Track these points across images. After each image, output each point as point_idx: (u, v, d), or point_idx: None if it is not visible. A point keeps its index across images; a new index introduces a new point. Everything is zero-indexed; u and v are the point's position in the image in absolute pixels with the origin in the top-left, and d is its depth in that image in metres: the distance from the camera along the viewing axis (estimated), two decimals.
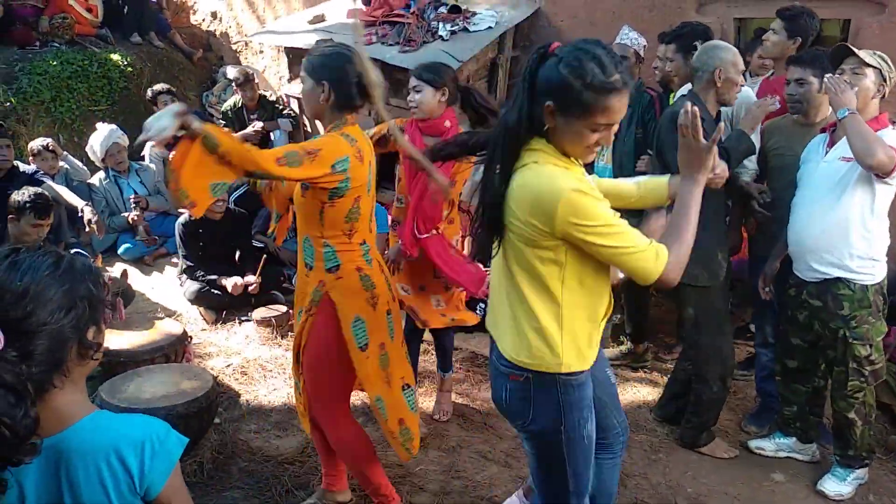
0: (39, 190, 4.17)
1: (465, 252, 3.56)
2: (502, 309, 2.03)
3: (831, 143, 3.05)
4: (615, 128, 1.89)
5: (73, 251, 4.34)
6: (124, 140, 5.74)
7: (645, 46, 4.19)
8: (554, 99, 1.80)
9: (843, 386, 3.06)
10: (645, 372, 4.26)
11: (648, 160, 3.89)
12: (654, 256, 1.84)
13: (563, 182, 1.80)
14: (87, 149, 5.72)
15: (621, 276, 2.02)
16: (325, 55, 2.54)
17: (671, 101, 4.10)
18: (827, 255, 2.98)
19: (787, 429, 3.44)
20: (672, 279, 1.88)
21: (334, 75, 2.50)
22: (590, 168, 4.29)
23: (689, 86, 3.82)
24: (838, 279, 2.98)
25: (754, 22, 5.05)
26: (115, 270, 4.79)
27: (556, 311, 1.93)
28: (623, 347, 4.35)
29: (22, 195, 3.98)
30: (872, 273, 2.98)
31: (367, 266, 2.59)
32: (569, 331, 1.94)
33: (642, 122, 4.09)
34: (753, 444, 3.50)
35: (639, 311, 4.26)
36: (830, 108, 3.02)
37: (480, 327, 4.58)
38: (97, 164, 5.74)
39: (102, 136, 5.62)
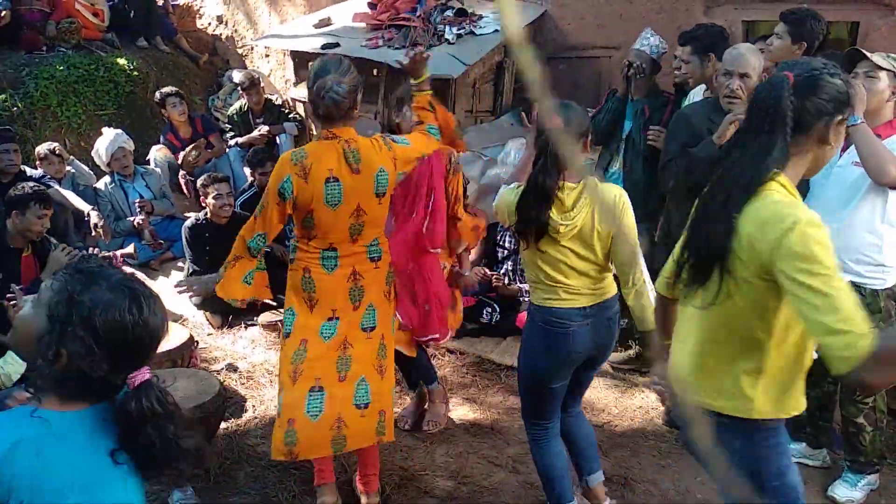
0: (33, 182, 4.17)
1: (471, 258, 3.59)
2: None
3: (845, 147, 3.02)
4: None
5: (77, 251, 4.34)
6: (130, 145, 5.74)
7: (664, 53, 4.16)
8: (840, 111, 1.76)
9: (851, 392, 3.04)
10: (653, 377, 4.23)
11: (656, 133, 3.87)
12: (862, 341, 1.53)
13: (801, 212, 1.69)
14: (93, 153, 5.73)
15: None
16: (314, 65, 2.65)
17: (684, 104, 4.08)
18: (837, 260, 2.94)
19: (797, 434, 3.41)
20: (870, 380, 1.54)
21: (312, 85, 2.59)
22: (602, 173, 4.28)
23: (703, 87, 3.80)
24: (850, 283, 2.95)
25: (762, 24, 5.04)
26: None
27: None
28: (631, 352, 4.32)
29: (22, 189, 4.00)
30: (884, 278, 2.95)
31: (322, 270, 2.74)
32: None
33: (652, 123, 4.07)
34: None
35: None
36: None
37: (487, 331, 4.59)
38: (103, 168, 5.75)
39: (108, 140, 5.62)
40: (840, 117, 1.77)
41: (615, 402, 3.93)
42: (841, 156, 3.01)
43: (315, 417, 2.70)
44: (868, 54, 2.91)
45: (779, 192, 1.74)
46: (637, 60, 4.06)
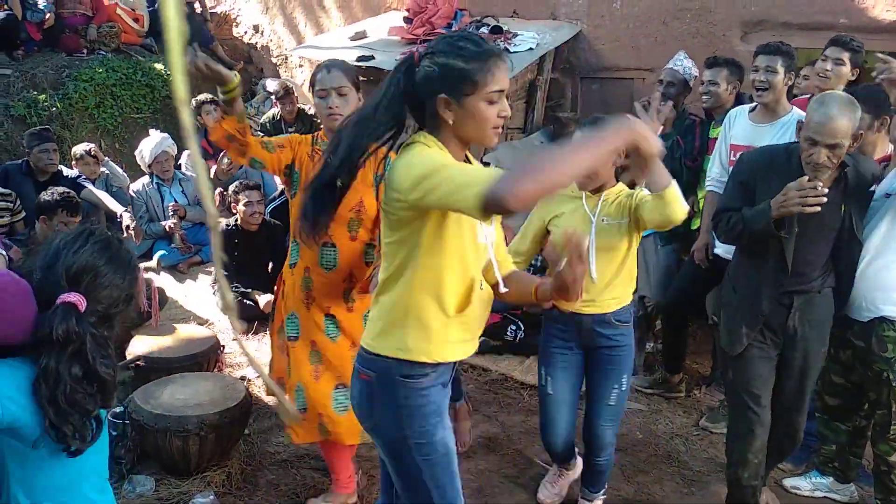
0: (63, 189, 4.24)
1: None
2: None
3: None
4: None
5: None
6: (173, 150, 5.83)
7: (696, 77, 4.15)
8: (445, 89, 1.77)
9: (885, 429, 2.97)
10: (678, 402, 4.18)
11: (670, 105, 3.74)
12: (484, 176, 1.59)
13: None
14: (136, 153, 5.81)
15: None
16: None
17: (712, 130, 4.06)
18: (878, 293, 2.90)
19: (824, 468, 3.35)
20: (500, 195, 1.51)
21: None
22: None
23: (746, 107, 3.74)
24: (883, 319, 2.89)
25: (800, 52, 5.01)
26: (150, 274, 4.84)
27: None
28: (657, 375, 4.28)
29: (51, 195, 4.07)
30: None
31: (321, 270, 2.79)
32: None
33: (680, 148, 4.06)
34: (789, 482, 3.42)
35: (677, 341, 4.19)
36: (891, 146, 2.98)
37: (511, 348, 4.57)
38: (143, 168, 5.83)
39: (154, 142, 5.70)
40: (442, 97, 1.77)
41: (640, 426, 3.89)
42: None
43: (342, 412, 2.77)
44: None
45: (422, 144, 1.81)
46: (670, 78, 4.08)
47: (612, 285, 2.74)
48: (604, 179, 2.71)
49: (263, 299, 4.77)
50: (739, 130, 3.66)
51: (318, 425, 2.79)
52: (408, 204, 1.74)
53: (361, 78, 6.58)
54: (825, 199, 2.50)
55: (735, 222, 2.74)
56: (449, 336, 1.88)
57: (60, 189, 4.19)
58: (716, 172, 3.78)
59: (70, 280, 1.54)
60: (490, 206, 1.53)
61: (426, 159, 1.73)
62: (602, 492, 3.08)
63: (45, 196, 4.08)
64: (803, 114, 3.47)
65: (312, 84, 2.76)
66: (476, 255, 1.90)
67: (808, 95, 3.83)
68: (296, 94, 6.63)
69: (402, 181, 1.73)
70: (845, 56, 3.59)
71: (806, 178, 2.53)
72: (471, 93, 1.76)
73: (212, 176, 6.19)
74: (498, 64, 1.78)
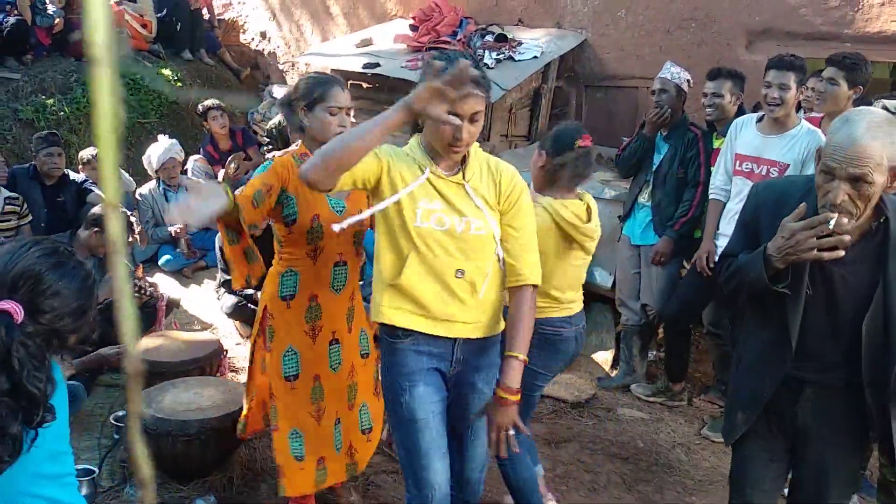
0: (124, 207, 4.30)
1: None
2: None
3: None
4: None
5: None
6: (181, 156, 5.86)
7: (688, 81, 4.17)
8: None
9: (890, 452, 2.95)
10: (680, 411, 4.18)
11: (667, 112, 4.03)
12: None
13: None
14: (144, 158, 5.85)
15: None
16: None
17: (714, 141, 4.07)
18: None
19: None
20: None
21: None
22: (631, 206, 4.27)
23: (753, 116, 3.72)
24: None
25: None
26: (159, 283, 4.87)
27: None
28: (659, 384, 4.28)
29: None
30: None
31: (330, 292, 2.74)
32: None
33: (684, 161, 4.06)
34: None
35: (679, 350, 4.19)
36: None
37: None
38: (150, 173, 5.86)
39: (162, 148, 5.74)
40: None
41: (641, 435, 3.89)
42: None
43: (339, 450, 2.76)
44: (893, 106, 2.90)
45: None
46: (662, 87, 4.09)
47: None
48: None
49: None
50: (746, 140, 3.65)
51: (316, 473, 2.71)
52: None
53: (366, 85, 6.64)
54: (848, 238, 1.86)
55: (733, 271, 2.13)
56: (384, 301, 2.16)
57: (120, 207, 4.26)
58: (719, 181, 3.79)
59: (9, 287, 1.47)
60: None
61: None
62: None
63: (102, 210, 4.14)
64: (813, 127, 3.48)
65: (317, 97, 2.55)
66: (410, 234, 2.11)
67: (819, 116, 3.80)
68: None
69: None
70: (839, 76, 3.48)
71: (823, 215, 1.88)
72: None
73: (220, 180, 6.23)
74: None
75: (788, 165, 3.47)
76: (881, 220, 1.94)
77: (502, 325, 2.28)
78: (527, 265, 2.20)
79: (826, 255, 1.87)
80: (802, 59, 3.56)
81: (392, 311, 2.16)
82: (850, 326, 1.97)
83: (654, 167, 4.14)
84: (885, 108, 3.11)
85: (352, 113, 2.72)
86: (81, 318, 1.55)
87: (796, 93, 3.48)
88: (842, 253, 1.88)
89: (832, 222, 1.84)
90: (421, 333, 2.17)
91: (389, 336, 2.20)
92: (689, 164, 4.05)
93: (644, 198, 4.22)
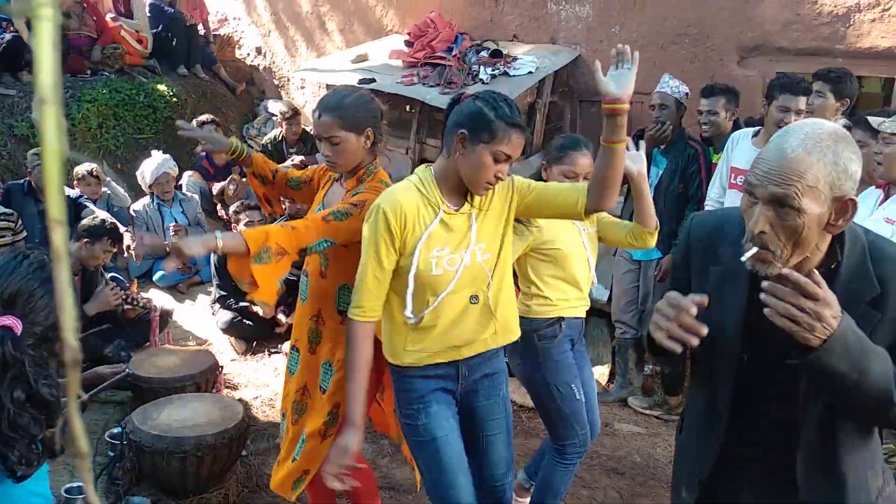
0: (109, 217, 4.29)
1: None
2: None
3: (883, 201, 3.02)
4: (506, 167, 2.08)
5: (109, 275, 4.42)
6: (174, 171, 5.87)
7: (687, 94, 4.20)
8: (466, 126, 2.04)
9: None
10: (677, 426, 4.17)
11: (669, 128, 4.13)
12: None
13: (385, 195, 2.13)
14: (138, 173, 5.85)
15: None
16: (360, 104, 2.46)
17: (712, 156, 4.09)
18: None
19: None
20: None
21: (376, 120, 2.49)
22: (630, 216, 4.28)
23: (749, 131, 3.76)
24: None
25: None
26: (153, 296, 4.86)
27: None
28: (656, 397, 4.28)
29: (100, 221, 4.12)
30: None
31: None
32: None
33: (684, 176, 4.07)
34: None
35: (676, 365, 4.19)
36: None
37: (508, 372, 4.55)
38: (144, 189, 5.86)
39: (156, 163, 5.74)
40: (463, 131, 2.03)
41: (638, 450, 3.88)
42: (875, 211, 3.00)
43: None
44: (873, 120, 2.96)
45: (408, 180, 2.16)
46: (661, 101, 4.12)
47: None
48: None
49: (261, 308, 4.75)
50: (742, 154, 3.70)
51: (294, 481, 2.62)
52: None
53: None
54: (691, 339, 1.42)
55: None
56: (407, 345, 2.20)
57: (106, 216, 4.26)
58: (714, 193, 3.83)
59: (4, 303, 1.52)
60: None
61: None
62: None
63: (92, 221, 4.13)
64: None
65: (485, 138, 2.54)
66: (426, 282, 2.13)
67: None
68: (300, 116, 6.69)
69: None
70: (826, 88, 3.59)
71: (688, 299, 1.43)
72: (485, 142, 2.02)
73: (216, 193, 6.23)
74: (518, 136, 2.05)
75: None
76: (832, 267, 1.47)
77: (514, 334, 2.34)
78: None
79: (668, 345, 1.43)
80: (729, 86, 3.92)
81: (414, 355, 2.20)
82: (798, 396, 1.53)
83: (654, 182, 4.16)
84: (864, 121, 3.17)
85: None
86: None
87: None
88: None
89: (747, 254, 1.40)
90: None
91: (396, 366, 2.25)
92: (690, 180, 4.06)
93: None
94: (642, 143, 2.63)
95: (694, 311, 1.41)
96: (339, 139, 2.38)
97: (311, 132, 6.64)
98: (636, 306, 4.29)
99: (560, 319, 2.76)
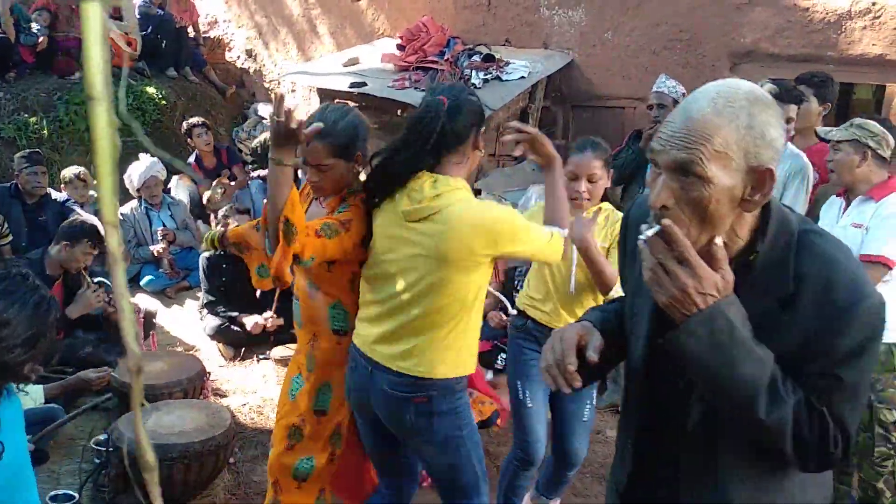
0: (92, 219, 4.23)
1: None
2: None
3: (846, 208, 3.08)
4: None
5: (96, 280, 4.37)
6: (162, 174, 5.81)
7: (684, 94, 4.21)
8: (482, 123, 2.20)
9: (869, 453, 2.96)
10: None
11: None
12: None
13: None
14: (125, 177, 5.79)
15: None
16: (352, 127, 2.32)
17: None
18: None
19: None
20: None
21: (365, 142, 2.39)
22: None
23: None
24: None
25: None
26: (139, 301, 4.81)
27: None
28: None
29: (80, 224, 4.06)
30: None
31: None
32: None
33: None
34: None
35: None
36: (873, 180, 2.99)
37: (499, 376, 4.54)
38: (132, 193, 5.80)
39: (143, 167, 5.69)
40: (482, 129, 2.20)
41: None
42: (840, 218, 3.04)
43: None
44: (821, 129, 3.00)
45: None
46: (659, 101, 4.12)
47: (584, 298, 2.77)
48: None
49: (250, 321, 4.72)
50: None
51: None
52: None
53: (353, 104, 6.64)
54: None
55: None
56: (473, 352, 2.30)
57: (87, 218, 4.19)
58: None
59: None
60: None
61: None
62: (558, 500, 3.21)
63: (71, 224, 4.08)
64: (798, 151, 3.52)
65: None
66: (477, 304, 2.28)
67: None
68: None
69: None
70: (809, 92, 3.66)
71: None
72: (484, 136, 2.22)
73: (205, 202, 6.18)
74: None
75: None
76: (751, 258, 1.27)
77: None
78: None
79: (544, 376, 1.35)
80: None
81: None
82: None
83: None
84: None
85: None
86: (34, 346, 1.49)
87: None
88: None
89: (644, 234, 1.20)
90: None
91: (458, 384, 2.27)
92: None
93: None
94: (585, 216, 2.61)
95: (572, 367, 1.30)
96: (329, 166, 2.26)
97: None
98: None
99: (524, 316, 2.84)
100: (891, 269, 2.84)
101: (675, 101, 4.17)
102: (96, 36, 0.49)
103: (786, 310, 1.23)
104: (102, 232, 4.40)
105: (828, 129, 3.10)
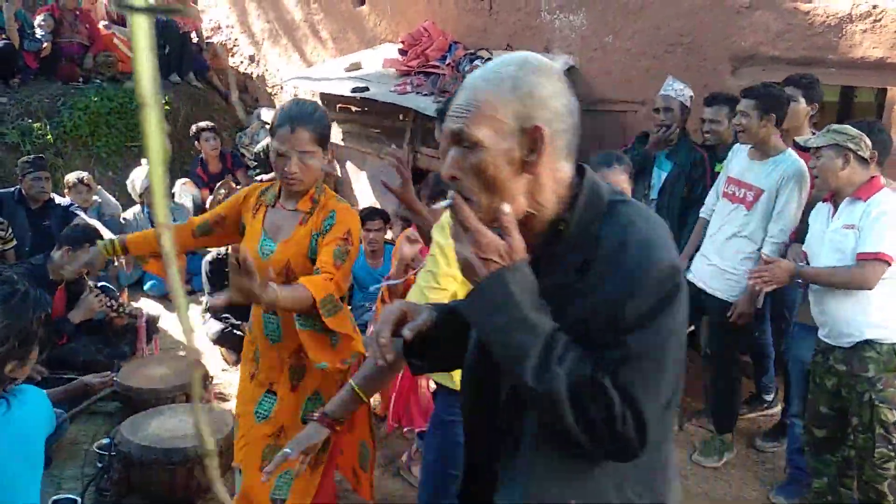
0: (91, 223, 4.26)
1: None
2: None
3: (835, 212, 3.10)
4: None
5: (99, 284, 4.39)
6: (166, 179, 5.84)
7: (691, 97, 4.22)
8: None
9: (869, 454, 2.95)
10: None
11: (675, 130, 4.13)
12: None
13: None
14: (128, 182, 5.82)
15: None
16: (324, 117, 2.37)
17: (717, 165, 4.10)
18: (851, 320, 2.95)
19: (817, 503, 3.32)
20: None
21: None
22: None
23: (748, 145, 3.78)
24: (866, 342, 2.93)
25: None
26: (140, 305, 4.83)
27: None
28: None
29: (82, 229, 4.11)
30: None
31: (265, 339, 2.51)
32: None
33: (689, 180, 4.08)
34: None
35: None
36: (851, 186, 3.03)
37: None
38: (134, 198, 5.83)
39: (146, 171, 5.72)
40: None
41: None
42: (830, 223, 3.08)
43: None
44: (799, 138, 3.09)
45: None
46: (665, 105, 4.13)
47: None
48: None
49: None
50: (737, 164, 3.78)
51: None
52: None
53: (355, 109, 6.65)
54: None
55: None
56: None
57: (88, 223, 4.23)
58: (710, 201, 3.90)
59: None
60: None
61: None
62: None
63: (71, 229, 4.12)
64: (797, 157, 3.55)
65: (272, 131, 2.31)
66: None
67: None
68: None
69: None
70: (798, 93, 3.72)
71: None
72: None
73: (208, 206, 6.20)
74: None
75: (763, 191, 3.57)
76: (560, 227, 1.27)
77: None
78: None
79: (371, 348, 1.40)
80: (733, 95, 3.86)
81: None
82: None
83: (658, 184, 4.17)
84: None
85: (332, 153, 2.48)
86: (5, 341, 1.44)
87: (758, 122, 3.55)
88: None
89: (439, 204, 1.27)
90: None
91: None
92: (695, 183, 4.08)
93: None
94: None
95: (383, 340, 1.33)
96: (312, 153, 2.26)
97: None
98: None
99: None
100: (889, 264, 2.85)
101: (682, 104, 4.17)
102: (145, 46, 0.52)
103: (582, 277, 1.21)
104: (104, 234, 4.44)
105: (805, 137, 3.13)
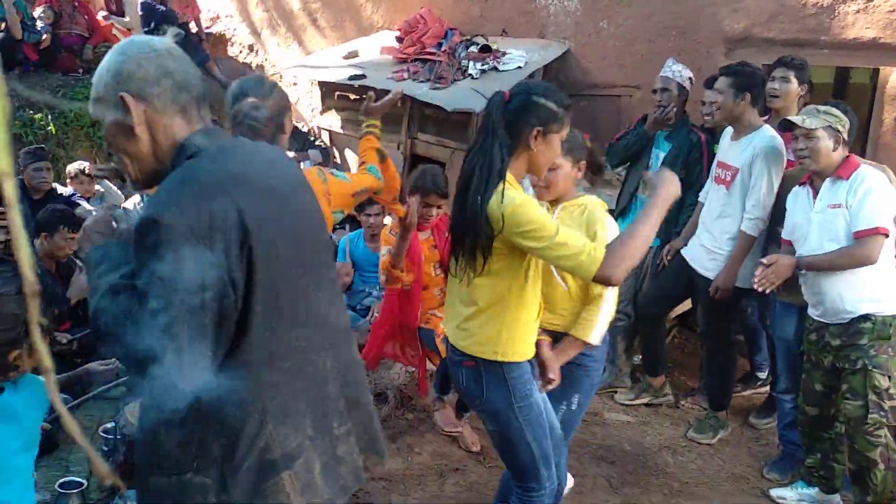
0: (62, 205, 4.29)
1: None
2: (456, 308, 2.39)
3: (815, 194, 3.13)
4: None
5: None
6: None
7: (691, 79, 4.25)
8: (541, 124, 2.21)
9: (862, 420, 2.96)
10: (666, 414, 4.22)
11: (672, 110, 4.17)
12: (588, 256, 2.05)
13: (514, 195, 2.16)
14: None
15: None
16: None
17: (715, 147, 4.14)
18: (846, 298, 3.00)
19: (810, 478, 3.38)
20: (608, 277, 2.05)
21: (229, 109, 2.53)
22: (629, 197, 4.32)
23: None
24: (861, 316, 2.98)
25: None
26: None
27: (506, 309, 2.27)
28: (642, 384, 4.31)
29: (51, 212, 4.11)
30: (894, 304, 2.97)
31: None
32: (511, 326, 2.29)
33: (686, 162, 4.11)
34: (775, 492, 3.46)
35: (653, 342, 4.23)
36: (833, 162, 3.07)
37: None
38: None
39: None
40: (539, 128, 2.21)
41: (628, 439, 3.93)
42: (814, 203, 3.11)
43: None
44: (796, 121, 3.06)
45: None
46: (663, 86, 4.16)
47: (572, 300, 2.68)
48: (561, 192, 2.69)
49: None
50: (723, 146, 3.83)
51: None
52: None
53: (353, 97, 6.67)
54: None
55: None
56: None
57: (58, 206, 4.24)
58: (707, 185, 3.95)
59: None
60: (598, 281, 2.10)
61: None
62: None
63: (45, 214, 4.13)
64: (769, 134, 3.61)
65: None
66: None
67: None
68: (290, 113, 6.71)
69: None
70: (791, 74, 3.73)
71: None
72: (558, 132, 2.25)
73: None
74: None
75: (738, 169, 3.62)
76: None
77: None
78: None
79: None
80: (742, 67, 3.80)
81: (530, 343, 2.40)
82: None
83: (655, 165, 4.21)
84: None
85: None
86: (11, 330, 1.50)
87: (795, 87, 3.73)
88: None
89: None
90: None
91: (516, 362, 2.34)
92: (692, 166, 4.12)
93: (645, 194, 4.25)
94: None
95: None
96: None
97: (302, 129, 6.68)
98: (630, 294, 4.32)
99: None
100: (887, 237, 2.90)
101: (680, 85, 4.20)
102: None
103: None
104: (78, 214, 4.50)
105: (795, 117, 3.14)
